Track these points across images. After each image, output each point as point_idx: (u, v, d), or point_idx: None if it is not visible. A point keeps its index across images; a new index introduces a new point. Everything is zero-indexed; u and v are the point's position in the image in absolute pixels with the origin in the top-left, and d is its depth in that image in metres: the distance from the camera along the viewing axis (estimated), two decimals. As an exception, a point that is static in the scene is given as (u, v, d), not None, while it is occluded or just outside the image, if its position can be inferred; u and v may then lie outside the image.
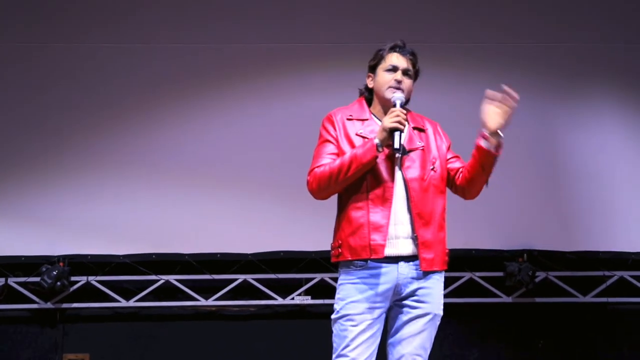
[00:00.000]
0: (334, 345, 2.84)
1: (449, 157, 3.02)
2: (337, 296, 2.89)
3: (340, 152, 2.89)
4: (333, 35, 5.22)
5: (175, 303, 5.28)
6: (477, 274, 5.32)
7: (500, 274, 5.25)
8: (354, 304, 2.81)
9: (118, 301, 5.24)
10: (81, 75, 5.25)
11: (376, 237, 2.79)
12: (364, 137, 2.88)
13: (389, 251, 2.81)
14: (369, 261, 2.81)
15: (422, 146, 2.93)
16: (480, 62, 5.29)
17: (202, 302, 5.26)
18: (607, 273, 5.31)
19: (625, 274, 5.32)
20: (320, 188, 2.87)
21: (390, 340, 2.88)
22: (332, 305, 2.90)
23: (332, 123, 2.94)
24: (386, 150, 2.84)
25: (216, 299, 5.24)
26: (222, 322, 5.31)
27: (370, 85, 3.03)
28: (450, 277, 5.29)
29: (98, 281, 5.23)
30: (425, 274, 2.85)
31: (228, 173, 5.17)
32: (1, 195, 5.14)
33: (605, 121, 5.36)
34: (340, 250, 2.87)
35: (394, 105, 2.87)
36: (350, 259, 2.83)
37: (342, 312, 2.83)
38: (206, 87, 5.24)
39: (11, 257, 5.14)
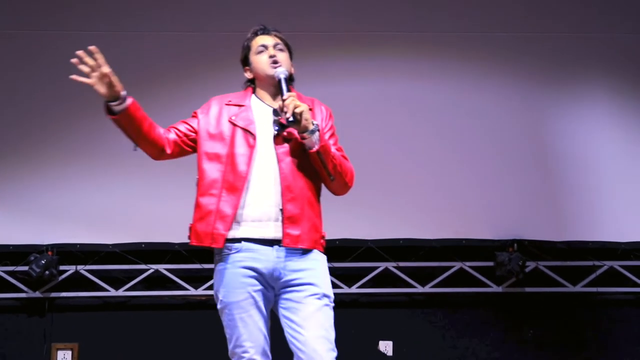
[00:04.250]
0: (227, 336, 2.79)
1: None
2: (215, 283, 2.82)
3: (205, 137, 2.87)
4: (317, 23, 5.19)
5: (165, 292, 5.27)
6: (468, 263, 5.32)
7: (491, 263, 5.26)
8: (236, 290, 2.74)
9: (107, 290, 5.22)
10: (64, 63, 5.17)
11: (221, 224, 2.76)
12: (234, 124, 2.84)
13: (259, 233, 2.75)
14: (242, 242, 2.75)
15: None
16: (469, 52, 5.28)
17: (192, 291, 5.25)
18: (596, 263, 5.31)
19: (615, 264, 5.32)
20: None
21: (289, 332, 2.74)
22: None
23: (207, 103, 2.96)
24: (247, 137, 2.81)
25: (206, 289, 5.23)
26: (212, 312, 5.19)
27: (249, 76, 2.98)
28: (440, 266, 5.31)
29: (87, 270, 5.20)
30: (303, 257, 2.76)
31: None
32: (-11, 184, 5.12)
33: (594, 111, 5.34)
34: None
35: (279, 81, 2.81)
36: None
37: (225, 301, 2.77)
38: (193, 75, 5.17)
39: (-1, 245, 5.12)
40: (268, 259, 2.75)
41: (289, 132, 2.79)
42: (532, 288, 5.31)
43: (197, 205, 2.83)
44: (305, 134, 2.72)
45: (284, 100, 2.73)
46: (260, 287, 2.76)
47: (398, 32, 5.28)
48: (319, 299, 2.74)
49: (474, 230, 5.25)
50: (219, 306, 2.82)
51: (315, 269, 2.79)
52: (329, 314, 2.77)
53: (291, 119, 2.70)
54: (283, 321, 2.77)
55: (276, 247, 2.75)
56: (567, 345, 5.31)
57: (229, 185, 2.77)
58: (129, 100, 2.74)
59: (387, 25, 5.28)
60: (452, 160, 5.24)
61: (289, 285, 2.76)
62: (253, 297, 2.74)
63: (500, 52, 5.30)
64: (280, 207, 2.76)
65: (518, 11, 5.34)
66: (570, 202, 5.27)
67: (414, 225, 5.20)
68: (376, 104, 5.21)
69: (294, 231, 2.75)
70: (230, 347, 2.79)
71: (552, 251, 5.30)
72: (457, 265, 5.32)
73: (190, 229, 2.84)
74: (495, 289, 5.31)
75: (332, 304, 2.80)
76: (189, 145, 2.93)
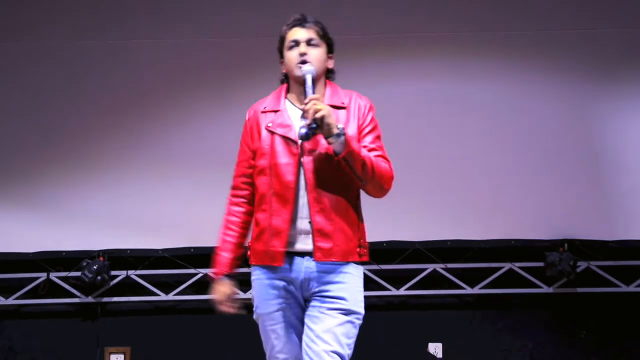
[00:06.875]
0: (263, 343, 2.81)
1: (363, 144, 2.72)
2: (252, 293, 2.85)
3: (256, 154, 2.77)
4: (362, 25, 5.20)
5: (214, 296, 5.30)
6: (517, 264, 5.26)
7: (541, 264, 5.19)
8: (268, 302, 2.75)
9: (157, 295, 5.28)
10: (111, 71, 5.26)
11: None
12: (271, 131, 2.73)
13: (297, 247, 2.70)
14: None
15: None
16: (516, 50, 5.22)
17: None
18: (650, 262, 5.23)
19: (669, 263, 5.23)
20: None
21: (305, 340, 2.68)
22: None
23: (245, 124, 2.84)
24: (289, 144, 2.69)
25: (254, 292, 5.25)
26: (260, 315, 5.31)
27: (284, 71, 2.84)
28: (489, 267, 5.26)
29: (137, 275, 5.28)
30: (336, 269, 2.68)
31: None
32: (42, 192, 5.20)
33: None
34: None
35: (304, 81, 2.65)
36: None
37: (258, 312, 2.79)
38: (237, 79, 5.22)
39: (52, 252, 5.20)
40: (299, 269, 2.69)
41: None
42: (584, 288, 5.23)
43: (255, 222, 2.79)
44: (330, 139, 2.58)
45: (305, 104, 2.59)
46: (292, 298, 2.72)
47: (443, 33, 5.24)
48: (344, 313, 2.66)
49: (523, 231, 5.19)
50: (254, 316, 2.82)
51: (346, 282, 2.69)
52: (351, 331, 2.68)
53: (313, 124, 2.56)
54: (305, 329, 2.71)
55: (307, 257, 2.68)
56: (620, 346, 5.21)
57: (278, 198, 2.68)
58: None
59: (432, 26, 5.25)
60: (499, 160, 5.19)
61: (317, 295, 2.69)
62: (285, 309, 2.73)
63: (548, 50, 5.22)
64: (309, 220, 2.67)
65: (566, 7, 5.26)
66: (622, 201, 5.18)
67: (462, 226, 5.16)
68: (421, 105, 5.18)
69: (325, 244, 2.66)
70: (267, 355, 2.81)
71: (604, 250, 5.22)
72: (507, 266, 5.26)
73: (249, 247, 2.81)
74: (546, 289, 5.24)
75: (359, 321, 2.71)
76: None
